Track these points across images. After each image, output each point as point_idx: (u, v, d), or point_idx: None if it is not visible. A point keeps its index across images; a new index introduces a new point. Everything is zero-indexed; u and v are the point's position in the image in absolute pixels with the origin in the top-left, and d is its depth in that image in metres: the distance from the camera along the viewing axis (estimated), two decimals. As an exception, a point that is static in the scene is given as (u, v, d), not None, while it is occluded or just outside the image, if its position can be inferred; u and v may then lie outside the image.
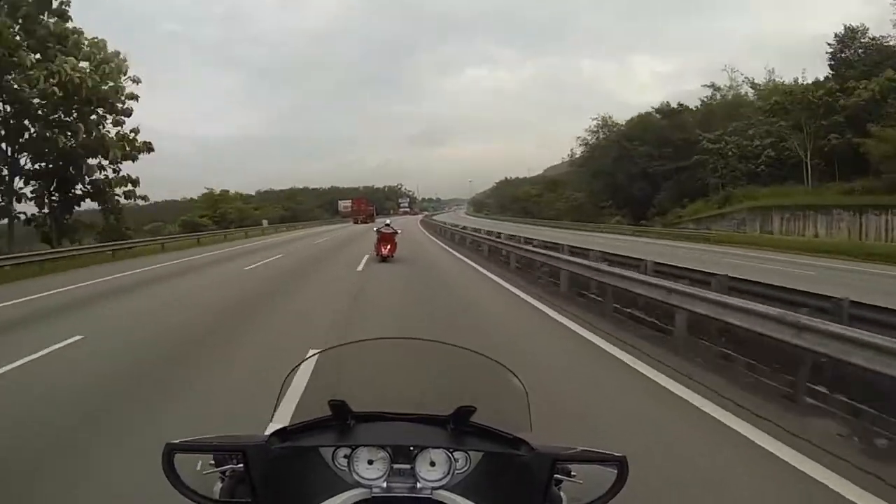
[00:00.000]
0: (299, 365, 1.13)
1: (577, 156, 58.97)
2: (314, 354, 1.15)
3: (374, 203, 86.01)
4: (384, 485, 0.93)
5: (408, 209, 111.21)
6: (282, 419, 1.04)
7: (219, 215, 46.85)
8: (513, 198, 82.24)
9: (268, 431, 0.97)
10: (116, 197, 25.22)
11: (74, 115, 22.65)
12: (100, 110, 23.71)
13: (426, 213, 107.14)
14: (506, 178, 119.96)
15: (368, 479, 0.94)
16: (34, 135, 22.13)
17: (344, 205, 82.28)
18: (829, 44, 34.04)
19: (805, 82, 34.01)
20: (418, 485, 0.93)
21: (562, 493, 0.93)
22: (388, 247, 13.69)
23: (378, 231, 14.42)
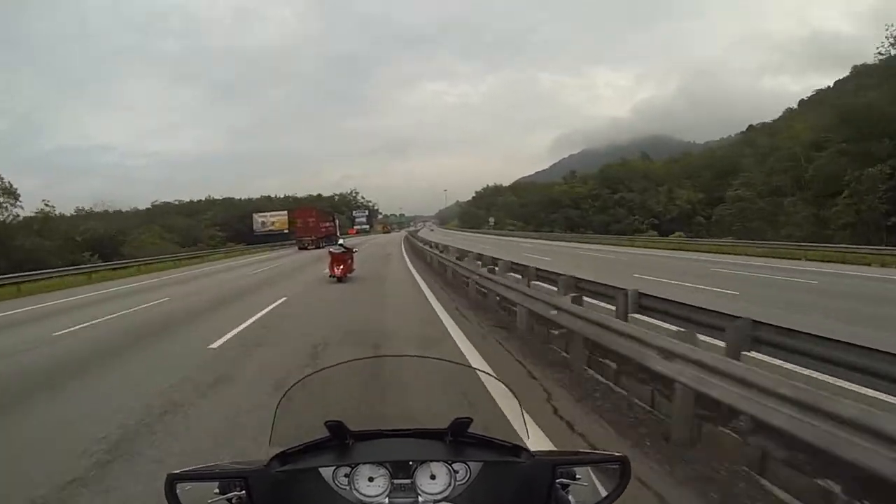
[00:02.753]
0: (292, 387, 1.13)
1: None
2: (306, 376, 1.15)
3: (334, 214, 57.10)
4: (386, 501, 0.96)
5: (365, 224, 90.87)
6: (279, 442, 1.04)
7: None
8: (544, 202, 66.56)
9: (267, 456, 0.98)
10: None
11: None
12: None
13: (401, 228, 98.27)
14: (488, 186, 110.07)
15: (370, 497, 0.96)
16: None
17: (262, 219, 58.78)
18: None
19: None
20: (420, 499, 0.96)
21: (570, 497, 0.99)
22: (342, 267, 13.75)
23: (330, 252, 14.42)
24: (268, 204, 76.80)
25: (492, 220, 70.99)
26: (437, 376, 1.27)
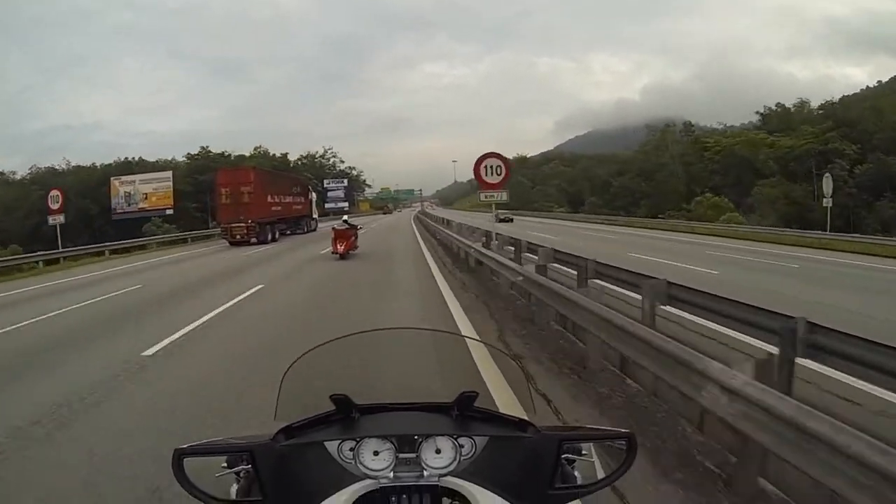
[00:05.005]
0: (297, 361, 1.12)
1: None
2: (311, 350, 1.14)
3: (307, 185, 33.49)
4: (391, 475, 0.96)
5: (342, 201, 61.08)
6: (285, 416, 1.04)
7: None
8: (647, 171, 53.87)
9: (273, 429, 0.98)
10: None
11: None
12: None
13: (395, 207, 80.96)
14: (518, 155, 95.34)
15: (375, 471, 0.96)
16: None
17: (127, 190, 36.58)
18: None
19: None
20: (425, 473, 0.96)
21: (576, 473, 0.99)
22: (344, 244, 13.76)
23: (333, 229, 14.48)
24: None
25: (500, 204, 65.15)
26: (444, 350, 1.26)
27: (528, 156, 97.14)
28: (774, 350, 3.20)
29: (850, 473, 1.64)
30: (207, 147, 56.28)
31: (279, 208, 24.93)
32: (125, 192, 37.21)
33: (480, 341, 1.23)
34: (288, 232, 26.15)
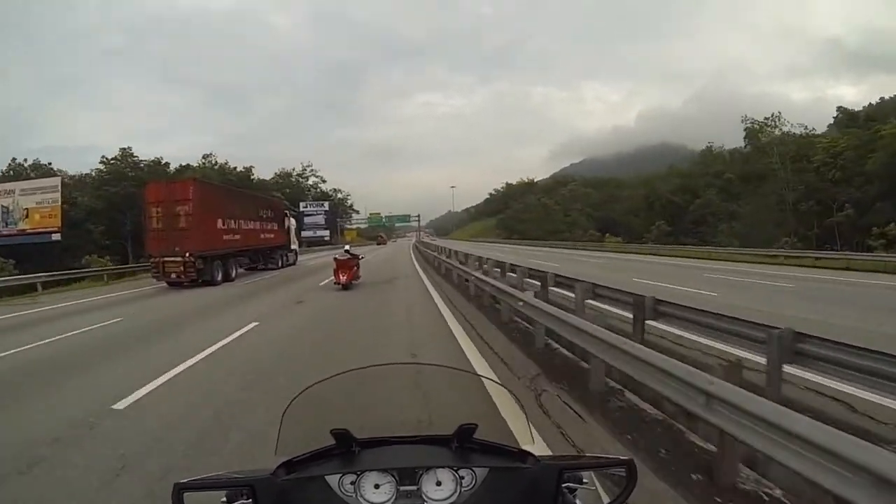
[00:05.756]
0: (298, 396, 1.14)
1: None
2: (311, 386, 1.16)
3: (284, 207, 27.15)
4: None
5: (322, 228, 53.60)
6: (285, 451, 1.05)
7: None
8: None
9: (273, 464, 0.99)
10: None
11: None
12: None
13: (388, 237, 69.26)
14: (508, 184, 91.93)
15: None
16: None
17: (3, 204, 24.97)
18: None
19: None
20: None
21: (577, 501, 0.99)
22: (347, 274, 13.73)
23: (335, 259, 14.32)
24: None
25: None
26: (442, 383, 1.28)
27: (535, 179, 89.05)
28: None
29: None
30: (129, 148, 40.27)
31: (236, 237, 18.45)
32: (2, 206, 25.87)
33: (476, 374, 1.25)
34: (259, 266, 21.23)
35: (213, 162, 50.63)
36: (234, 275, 17.91)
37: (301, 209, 51.99)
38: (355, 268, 14.41)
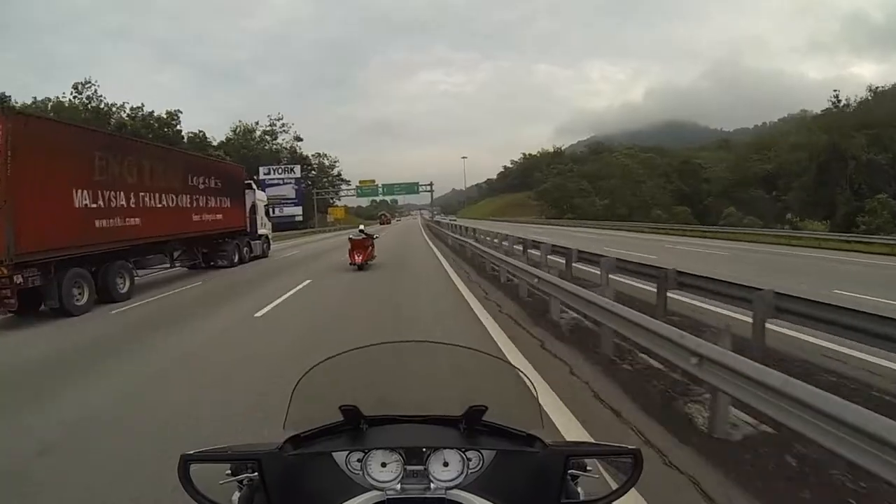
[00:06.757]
0: (309, 371, 1.13)
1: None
2: (323, 361, 1.15)
3: (242, 172, 18.64)
4: (398, 487, 0.96)
5: (292, 202, 40.64)
6: (294, 426, 1.05)
7: None
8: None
9: (281, 439, 0.98)
10: None
11: None
12: None
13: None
14: (527, 154, 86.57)
15: (382, 482, 0.96)
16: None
17: None
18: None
19: None
20: (432, 485, 0.96)
21: (579, 489, 1.00)
22: (362, 255, 13.90)
23: (350, 239, 14.48)
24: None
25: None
26: (453, 363, 1.27)
27: (563, 147, 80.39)
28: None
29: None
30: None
31: (132, 221, 10.58)
32: None
33: (489, 355, 1.22)
34: (200, 264, 15.02)
35: (93, 99, 31.62)
36: (124, 289, 10.21)
37: (260, 176, 37.14)
38: (370, 248, 14.53)
